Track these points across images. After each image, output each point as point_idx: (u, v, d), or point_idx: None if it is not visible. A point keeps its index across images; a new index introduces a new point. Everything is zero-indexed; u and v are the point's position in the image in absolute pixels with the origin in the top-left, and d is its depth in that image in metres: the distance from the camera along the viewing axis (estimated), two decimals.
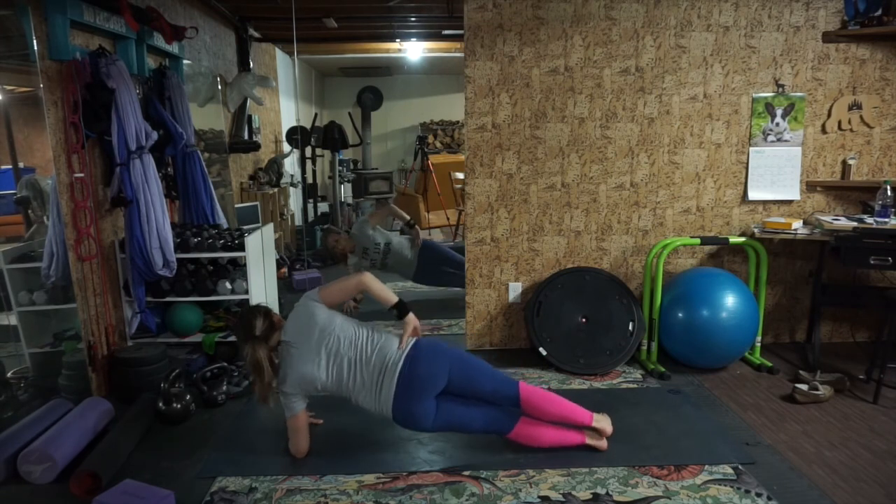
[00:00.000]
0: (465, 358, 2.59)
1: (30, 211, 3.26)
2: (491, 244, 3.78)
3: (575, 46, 3.59)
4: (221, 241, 3.52)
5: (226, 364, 3.36)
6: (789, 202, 3.79)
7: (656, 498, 2.26)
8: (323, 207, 8.13)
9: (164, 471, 2.49)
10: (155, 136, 3.30)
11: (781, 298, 3.92)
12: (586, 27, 3.57)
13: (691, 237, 3.64)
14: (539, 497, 2.27)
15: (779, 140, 3.72)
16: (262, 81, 5.63)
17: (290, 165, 7.87)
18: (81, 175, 3.00)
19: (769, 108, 3.69)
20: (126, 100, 3.05)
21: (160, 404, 2.89)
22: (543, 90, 3.63)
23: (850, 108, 3.70)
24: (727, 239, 3.51)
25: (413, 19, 6.19)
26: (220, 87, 5.10)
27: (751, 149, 3.74)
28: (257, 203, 5.94)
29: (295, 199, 7.95)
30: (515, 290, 3.83)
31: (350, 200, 8.92)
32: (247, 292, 3.52)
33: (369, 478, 2.42)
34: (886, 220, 3.33)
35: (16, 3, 2.77)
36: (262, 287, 3.75)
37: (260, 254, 3.77)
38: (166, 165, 3.81)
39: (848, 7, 3.57)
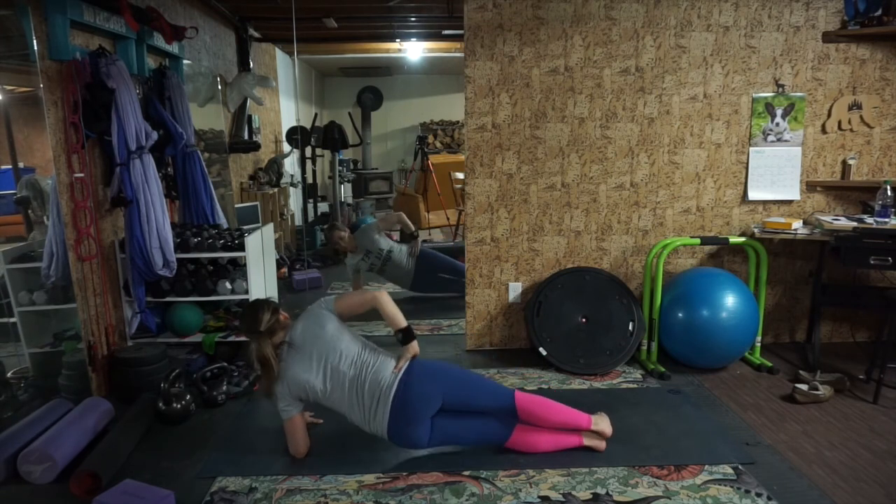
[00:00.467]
0: (460, 377, 2.60)
1: (30, 211, 3.26)
2: (491, 244, 3.78)
3: (575, 46, 3.59)
4: (221, 241, 3.52)
5: (226, 364, 3.36)
6: (789, 202, 3.79)
7: (656, 498, 2.26)
8: (323, 207, 8.13)
9: (164, 471, 2.49)
10: (155, 136, 3.30)
11: (781, 298, 3.92)
12: (586, 27, 3.57)
13: (691, 237, 3.64)
14: (539, 497, 2.27)
15: (779, 140, 3.72)
16: (262, 81, 5.63)
17: (290, 165, 7.87)
18: (81, 175, 3.00)
19: (769, 108, 3.69)
20: (126, 100, 3.05)
21: (160, 404, 2.89)
22: (543, 90, 3.63)
23: (850, 108, 3.70)
24: (727, 239, 3.51)
25: (413, 19, 6.19)
26: (220, 87, 5.10)
27: (751, 149, 3.74)
28: (257, 203, 5.94)
29: (295, 199, 7.95)
30: (515, 290, 3.83)
31: (350, 200, 8.92)
32: (247, 292, 3.52)
33: (369, 478, 2.42)
34: (886, 220, 3.33)
35: (16, 3, 2.77)
36: (262, 287, 3.75)
37: (260, 254, 3.77)
38: (166, 165, 3.81)
39: (848, 7, 3.57)
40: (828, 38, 3.63)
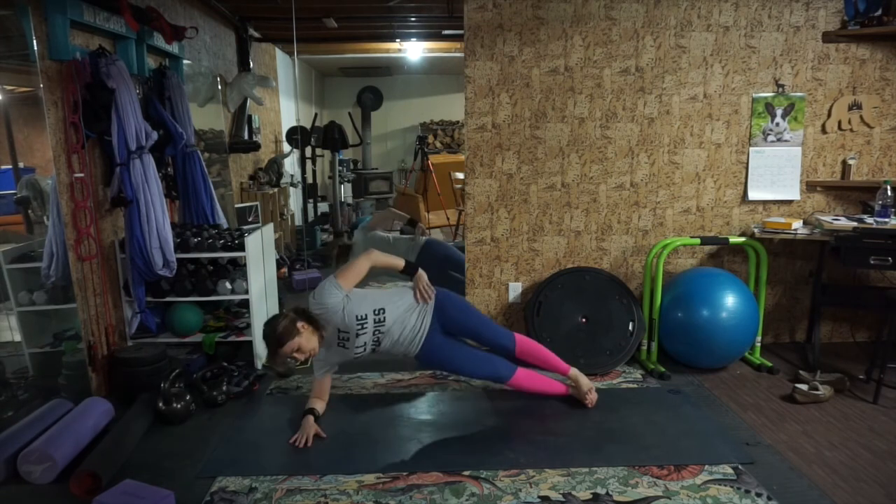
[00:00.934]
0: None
1: (30, 211, 3.26)
2: (491, 244, 3.78)
3: (575, 46, 3.59)
4: (221, 241, 3.52)
5: (226, 364, 3.36)
6: (789, 202, 3.79)
7: (656, 498, 2.26)
8: (323, 207, 8.13)
9: (164, 471, 2.49)
10: (155, 136, 3.29)
11: (781, 298, 3.92)
12: (586, 27, 3.57)
13: (691, 237, 3.64)
14: (539, 497, 2.27)
15: (779, 140, 3.72)
16: (262, 81, 5.63)
17: (290, 165, 7.87)
18: (81, 175, 3.00)
19: (769, 108, 3.69)
20: (126, 100, 3.05)
21: (160, 404, 2.89)
22: (543, 90, 3.63)
23: (850, 108, 3.70)
24: (727, 239, 3.51)
25: (413, 19, 6.19)
26: (220, 87, 5.10)
27: (751, 149, 3.74)
28: (257, 203, 5.94)
29: (295, 199, 7.95)
30: (515, 290, 3.83)
31: (350, 200, 8.92)
32: (247, 292, 3.52)
33: (369, 478, 2.42)
34: (886, 220, 3.33)
35: (16, 3, 2.77)
36: (262, 287, 3.75)
37: (260, 254, 3.77)
38: (166, 165, 3.81)
39: (848, 7, 3.57)
40: (828, 38, 3.63)
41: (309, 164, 7.12)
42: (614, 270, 3.82)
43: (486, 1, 3.53)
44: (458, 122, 11.00)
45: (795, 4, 3.59)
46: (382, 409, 3.07)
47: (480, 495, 2.29)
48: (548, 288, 3.63)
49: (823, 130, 3.74)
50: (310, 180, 7.24)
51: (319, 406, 2.90)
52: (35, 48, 2.75)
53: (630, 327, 3.51)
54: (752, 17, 3.60)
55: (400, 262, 2.95)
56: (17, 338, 3.07)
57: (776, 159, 3.74)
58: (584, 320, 3.55)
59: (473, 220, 3.77)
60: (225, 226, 4.09)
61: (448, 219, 8.27)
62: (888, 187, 3.34)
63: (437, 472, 2.44)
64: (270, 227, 4.24)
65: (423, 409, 3.05)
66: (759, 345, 3.61)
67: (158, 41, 3.73)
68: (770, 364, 3.49)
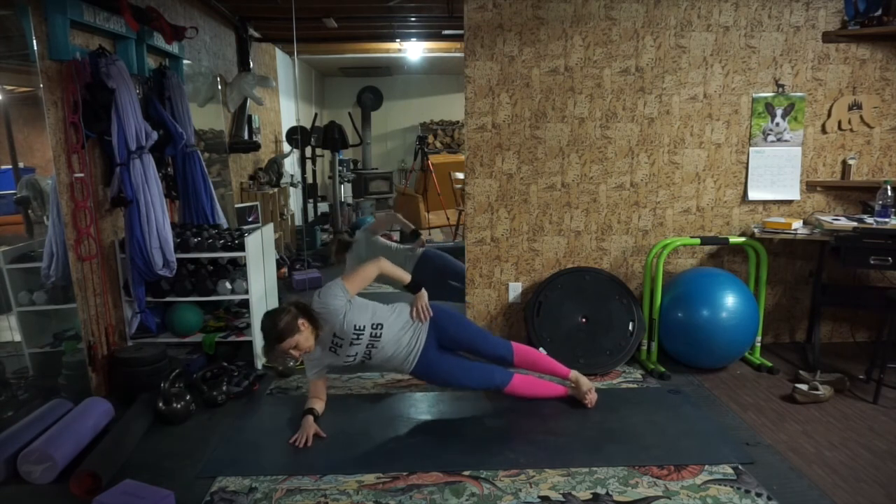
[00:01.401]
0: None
1: (30, 211, 3.26)
2: (491, 244, 3.78)
3: (575, 46, 3.59)
4: (221, 241, 3.52)
5: (226, 364, 3.36)
6: (789, 202, 3.79)
7: (656, 498, 2.26)
8: (323, 207, 8.12)
9: (164, 471, 2.49)
10: (155, 136, 3.30)
11: (781, 298, 3.92)
12: (586, 27, 3.57)
13: (691, 237, 3.64)
14: (539, 497, 2.27)
15: (779, 140, 3.72)
16: (262, 81, 5.63)
17: (290, 165, 7.86)
18: (81, 175, 3.00)
19: (769, 108, 3.69)
20: (126, 100, 3.05)
21: (160, 404, 2.89)
22: (543, 90, 3.63)
23: (850, 108, 3.70)
24: (727, 239, 3.51)
25: (413, 19, 6.19)
26: (220, 87, 5.10)
27: (751, 149, 3.74)
28: (257, 203, 5.94)
29: (295, 199, 7.95)
30: (515, 290, 3.83)
31: (350, 200, 8.92)
32: (247, 292, 3.52)
33: (369, 478, 2.42)
34: (886, 220, 3.33)
35: (16, 3, 2.77)
36: (262, 287, 3.75)
37: (260, 254, 3.77)
38: (166, 165, 3.81)
39: (848, 7, 3.57)
40: (828, 38, 3.63)
41: (309, 164, 7.12)
42: (614, 270, 3.82)
43: (486, 1, 3.53)
44: (458, 122, 11.00)
45: (795, 4, 3.59)
46: (382, 409, 3.07)
47: (480, 495, 2.29)
48: (548, 288, 3.63)
49: (823, 130, 3.74)
50: (310, 180, 7.24)
51: (318, 406, 2.90)
52: (35, 48, 2.75)
53: (630, 327, 3.51)
54: (752, 17, 3.60)
55: (406, 277, 2.97)
56: (17, 338, 3.07)
57: (776, 159, 3.74)
58: (584, 320, 3.55)
59: (473, 220, 3.77)
60: (225, 226, 4.09)
61: (448, 219, 8.28)
62: (888, 187, 3.34)
63: (437, 472, 2.44)
64: (270, 227, 4.24)
65: (423, 409, 3.05)
66: (759, 345, 3.61)
67: (158, 41, 3.73)
68: (770, 364, 3.49)
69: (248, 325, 3.64)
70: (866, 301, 3.70)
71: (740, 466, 2.46)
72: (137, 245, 3.17)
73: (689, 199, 3.78)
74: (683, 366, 3.52)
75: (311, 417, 2.78)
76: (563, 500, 2.26)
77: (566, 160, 3.71)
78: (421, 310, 2.93)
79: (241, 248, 3.48)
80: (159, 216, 3.22)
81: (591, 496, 2.28)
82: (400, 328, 2.88)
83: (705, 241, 3.54)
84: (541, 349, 3.46)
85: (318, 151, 7.35)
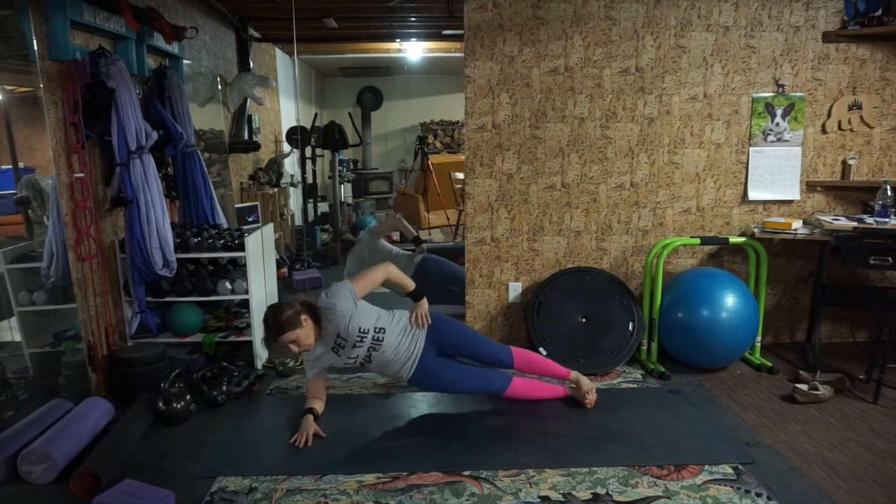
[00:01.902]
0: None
1: (30, 211, 3.26)
2: (491, 244, 3.79)
3: (575, 46, 3.59)
4: (221, 241, 3.52)
5: (226, 364, 3.36)
6: (789, 202, 3.79)
7: (656, 498, 2.26)
8: (323, 207, 8.13)
9: (164, 471, 2.49)
10: (155, 136, 3.29)
11: (781, 298, 3.92)
12: (586, 27, 3.57)
13: (691, 237, 3.64)
14: (539, 497, 2.27)
15: (779, 140, 3.72)
16: (262, 81, 5.63)
17: (290, 165, 7.87)
18: (81, 175, 3.00)
19: (769, 108, 3.69)
20: (126, 100, 3.05)
21: (160, 404, 2.89)
22: (543, 90, 3.63)
23: (850, 108, 3.70)
24: (727, 239, 3.51)
25: (413, 19, 6.19)
26: (220, 87, 5.10)
27: (751, 149, 3.74)
28: (257, 203, 5.94)
29: (295, 199, 7.95)
30: (515, 290, 3.83)
31: (350, 200, 8.92)
32: (247, 292, 3.52)
33: (369, 478, 2.42)
34: (886, 220, 3.33)
35: (16, 3, 2.77)
36: (262, 287, 3.75)
37: (260, 254, 3.77)
38: (166, 165, 3.81)
39: (848, 7, 3.57)
40: (828, 38, 3.63)
41: (309, 164, 7.12)
42: (614, 270, 3.82)
43: (486, 1, 3.53)
44: (458, 122, 11.00)
45: (795, 4, 3.59)
46: (382, 409, 3.07)
47: (480, 495, 2.29)
48: (548, 288, 3.63)
49: (823, 130, 3.74)
50: (310, 180, 7.24)
51: (318, 406, 2.90)
52: (35, 48, 2.75)
53: (630, 327, 3.51)
54: (752, 17, 3.60)
55: (411, 285, 2.96)
56: (17, 338, 3.07)
57: (776, 159, 3.74)
58: (584, 320, 3.55)
59: (473, 220, 3.77)
60: (225, 226, 4.09)
61: (448, 219, 8.28)
62: (888, 187, 3.34)
63: (437, 472, 2.45)
64: (270, 227, 4.24)
65: (423, 409, 3.05)
66: (759, 345, 3.61)
67: (158, 41, 3.73)
68: (770, 364, 3.49)
69: (248, 325, 3.64)
70: (866, 301, 3.70)
71: (740, 466, 2.46)
72: (137, 245, 3.17)
73: (689, 199, 3.78)
74: (683, 366, 3.52)
75: (310, 417, 2.78)
76: (563, 500, 2.26)
77: (566, 160, 3.71)
78: (420, 317, 2.94)
79: (241, 248, 3.48)
80: (159, 216, 3.22)
81: (591, 496, 2.28)
82: (399, 333, 2.89)
83: (705, 241, 3.54)
84: (541, 349, 3.47)
85: (318, 151, 7.35)
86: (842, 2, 3.60)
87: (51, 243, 3.01)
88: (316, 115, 7.55)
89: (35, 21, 2.75)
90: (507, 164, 3.70)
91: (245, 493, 2.32)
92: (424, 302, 2.98)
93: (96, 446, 2.52)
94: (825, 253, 3.54)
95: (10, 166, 3.25)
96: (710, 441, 2.67)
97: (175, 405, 2.91)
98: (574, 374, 3.07)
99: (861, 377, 3.31)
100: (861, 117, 3.70)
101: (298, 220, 7.71)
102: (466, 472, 2.44)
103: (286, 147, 7.52)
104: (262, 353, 3.59)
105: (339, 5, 5.61)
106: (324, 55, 8.74)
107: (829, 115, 3.71)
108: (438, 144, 11.03)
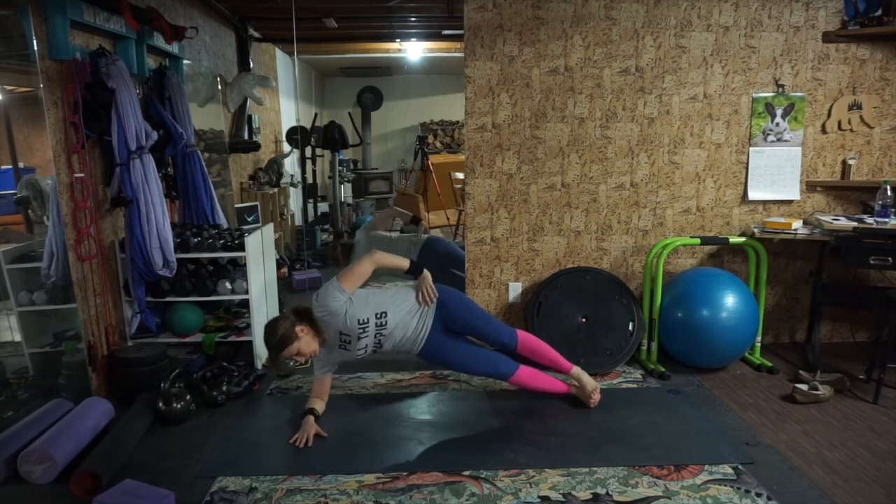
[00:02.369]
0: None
1: (30, 211, 3.26)
2: (491, 244, 3.78)
3: (575, 46, 3.59)
4: (221, 241, 3.52)
5: (226, 364, 3.36)
6: (789, 202, 3.79)
7: (656, 498, 2.26)
8: (323, 207, 8.13)
9: (164, 471, 2.49)
10: (155, 136, 3.29)
11: (781, 298, 3.92)
12: (586, 27, 3.57)
13: (691, 237, 3.64)
14: (539, 497, 2.27)
15: (779, 140, 3.72)
16: (262, 81, 5.63)
17: (290, 165, 7.87)
18: (81, 175, 3.00)
19: (769, 108, 3.69)
20: (126, 100, 3.05)
21: (160, 404, 2.89)
22: (543, 90, 3.63)
23: (850, 108, 3.70)
24: (727, 239, 3.51)
25: (413, 19, 6.19)
26: (220, 87, 5.10)
27: (751, 149, 3.74)
28: (257, 203, 5.94)
29: (295, 199, 7.95)
30: (515, 290, 3.83)
31: (350, 200, 8.92)
32: (247, 292, 3.52)
33: (369, 478, 2.42)
34: (886, 220, 3.33)
35: (16, 3, 2.77)
36: (262, 287, 3.74)
37: (260, 254, 3.77)
38: (166, 165, 3.81)
39: (848, 7, 3.57)
40: (828, 38, 3.63)
41: (309, 164, 7.12)
42: (614, 270, 3.82)
43: (486, 1, 3.53)
44: (458, 122, 11.00)
45: (795, 4, 3.59)
46: (382, 409, 3.07)
47: (480, 495, 2.29)
48: (548, 288, 3.63)
49: (823, 130, 3.74)
50: (310, 180, 7.24)
51: (319, 406, 2.90)
52: (35, 48, 2.75)
53: (630, 327, 3.51)
54: (752, 17, 3.60)
55: (405, 263, 2.92)
56: (17, 338, 3.07)
57: (776, 159, 3.74)
58: (584, 320, 3.55)
59: (473, 220, 3.77)
60: (225, 226, 4.09)
61: (448, 219, 8.28)
62: (888, 187, 3.34)
63: (437, 472, 2.45)
64: (270, 227, 4.24)
65: (423, 409, 3.05)
66: (759, 345, 3.61)
67: (158, 41, 3.73)
68: (770, 364, 3.49)
69: (248, 325, 3.64)
70: (866, 301, 3.70)
71: (740, 466, 2.46)
72: (137, 245, 3.17)
73: (689, 199, 3.78)
74: (683, 366, 3.52)
75: (311, 417, 2.78)
76: (563, 500, 2.26)
77: (566, 160, 3.71)
78: (426, 292, 2.90)
79: (241, 248, 3.48)
80: (159, 216, 3.22)
81: (591, 496, 2.28)
82: (406, 312, 2.89)
83: (705, 241, 3.54)
84: None
85: (318, 151, 7.35)
86: (842, 2, 3.60)
87: (51, 243, 3.01)
88: (316, 115, 7.55)
89: (35, 21, 2.75)
90: (507, 164, 3.70)
91: (245, 493, 2.32)
92: (427, 275, 2.93)
93: (96, 446, 2.52)
94: (825, 253, 3.54)
95: (10, 166, 3.25)
96: (710, 441, 2.67)
97: (175, 405, 2.91)
98: (576, 370, 3.06)
99: (861, 377, 3.31)
100: (861, 117, 3.70)
101: (298, 220, 7.71)
102: (466, 472, 2.44)
103: (286, 147, 7.52)
104: (262, 353, 3.59)
105: (339, 5, 5.61)
106: (324, 55, 8.73)
107: (829, 115, 3.71)
108: (438, 144, 11.03)
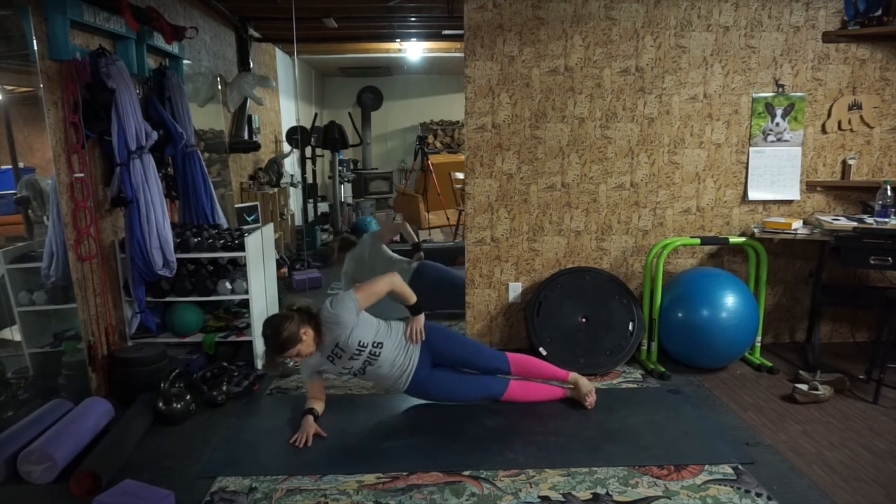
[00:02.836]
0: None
1: (30, 211, 3.26)
2: (491, 244, 3.79)
3: (575, 46, 3.59)
4: (221, 241, 3.52)
5: (226, 364, 3.36)
6: (789, 202, 3.79)
7: (656, 498, 2.26)
8: (323, 207, 8.12)
9: (164, 471, 2.49)
10: (155, 136, 3.29)
11: (781, 298, 3.92)
12: (586, 27, 3.57)
13: (691, 237, 3.64)
14: (539, 497, 2.27)
15: (779, 140, 3.72)
16: (262, 81, 5.63)
17: (290, 165, 7.86)
18: (81, 175, 3.00)
19: (769, 108, 3.69)
20: (126, 100, 3.05)
21: (160, 404, 2.89)
22: (543, 90, 3.63)
23: (850, 108, 3.70)
24: (727, 239, 3.51)
25: (413, 19, 6.19)
26: (220, 87, 5.10)
27: (751, 149, 3.74)
28: (257, 203, 5.94)
29: (295, 199, 7.95)
30: (515, 290, 3.83)
31: (350, 200, 8.92)
32: (247, 292, 3.52)
33: (369, 478, 2.42)
34: (886, 220, 3.33)
35: (16, 3, 2.77)
36: (262, 287, 3.74)
37: (260, 254, 3.77)
38: (166, 165, 3.81)
39: (848, 7, 3.57)
40: (828, 38, 3.63)
41: (309, 164, 7.12)
42: (614, 270, 3.82)
43: (486, 1, 3.53)
44: (458, 122, 11.00)
45: (795, 4, 3.59)
46: (382, 409, 3.07)
47: (480, 495, 2.29)
48: (548, 288, 3.63)
49: (823, 130, 3.74)
50: (310, 180, 7.24)
51: (318, 406, 2.90)
52: (35, 48, 2.75)
53: (630, 327, 3.51)
54: (752, 17, 3.60)
55: (413, 298, 2.93)
56: (17, 338, 3.07)
57: (776, 159, 3.74)
58: (584, 320, 3.55)
59: (473, 220, 3.77)
60: (225, 226, 4.09)
61: (448, 219, 8.28)
62: (888, 187, 3.34)
63: (437, 472, 2.45)
64: (270, 227, 4.24)
65: (423, 410, 3.05)
66: (759, 345, 3.61)
67: (158, 41, 3.73)
68: (770, 364, 3.49)
69: (248, 325, 3.64)
70: (866, 301, 3.70)
71: (740, 466, 2.46)
72: (137, 245, 3.17)
73: (689, 199, 3.78)
74: (683, 366, 3.52)
75: (311, 417, 2.78)
76: (563, 500, 2.26)
77: (566, 160, 3.71)
78: (415, 332, 2.92)
79: (241, 248, 3.48)
80: (159, 216, 3.22)
81: (591, 496, 2.28)
82: (395, 348, 2.88)
83: (705, 241, 3.55)
84: (541, 349, 3.46)
85: (318, 151, 7.35)
86: (842, 2, 3.60)
87: (51, 243, 3.01)
88: (316, 115, 7.55)
89: (35, 21, 2.75)
90: (507, 164, 3.70)
91: (245, 493, 2.33)
92: (421, 317, 2.95)
93: (96, 446, 2.52)
94: (825, 253, 3.54)
95: (10, 166, 3.25)
96: (710, 441, 2.67)
97: (175, 405, 2.91)
98: (572, 375, 3.06)
99: (861, 377, 3.31)
100: (861, 117, 3.70)
101: (298, 220, 7.71)
102: (466, 472, 2.44)
103: (286, 147, 7.52)
104: (262, 354, 3.59)
105: (339, 5, 5.61)
106: (324, 55, 8.73)
107: (829, 115, 3.71)
108: (438, 144, 11.03)
